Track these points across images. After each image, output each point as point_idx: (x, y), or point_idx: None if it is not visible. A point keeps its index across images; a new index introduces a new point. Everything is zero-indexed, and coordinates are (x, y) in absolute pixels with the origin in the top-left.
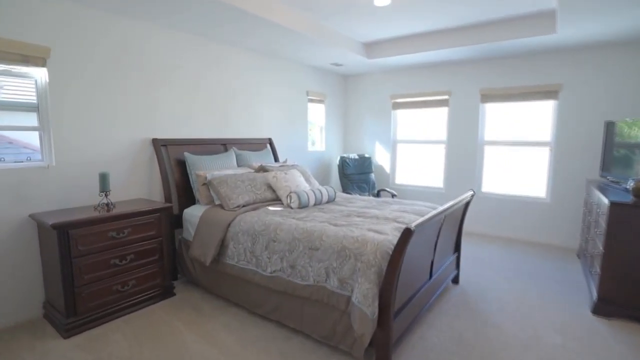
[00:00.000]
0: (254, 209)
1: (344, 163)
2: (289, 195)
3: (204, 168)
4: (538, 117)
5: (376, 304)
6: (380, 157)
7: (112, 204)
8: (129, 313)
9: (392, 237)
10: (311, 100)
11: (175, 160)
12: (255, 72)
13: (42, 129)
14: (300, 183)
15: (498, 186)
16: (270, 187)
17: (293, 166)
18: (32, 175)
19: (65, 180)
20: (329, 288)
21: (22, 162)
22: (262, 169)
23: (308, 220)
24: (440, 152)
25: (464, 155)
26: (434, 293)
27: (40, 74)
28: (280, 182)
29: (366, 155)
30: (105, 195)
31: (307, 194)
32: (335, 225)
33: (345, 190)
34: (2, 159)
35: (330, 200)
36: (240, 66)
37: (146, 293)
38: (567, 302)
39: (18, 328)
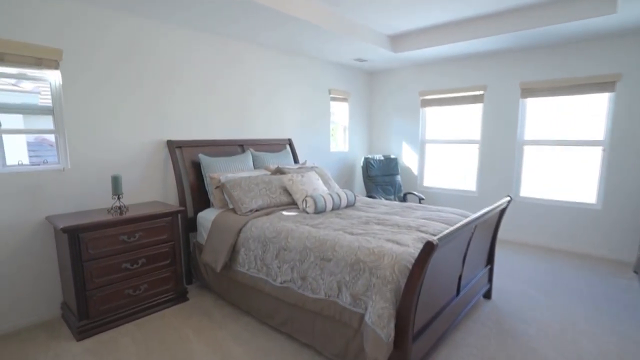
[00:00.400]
0: (267, 214)
1: (368, 164)
2: (304, 200)
3: (218, 170)
4: (589, 113)
5: (392, 325)
6: (408, 158)
7: (125, 207)
8: (140, 317)
9: (414, 249)
10: (334, 99)
11: (190, 162)
12: (274, 71)
13: (57, 131)
14: (318, 186)
15: (539, 190)
16: (286, 191)
17: (312, 168)
18: (49, 178)
19: (81, 183)
20: (340, 304)
21: (39, 164)
22: (279, 171)
23: (322, 227)
24: (473, 152)
25: (501, 156)
26: (462, 310)
27: (54, 76)
28: (297, 186)
29: (392, 156)
30: (118, 198)
31: (324, 199)
32: (351, 233)
33: (369, 193)
34: (20, 162)
35: (350, 205)
36: (257, 64)
37: (158, 297)
38: (622, 327)
39: (37, 327)
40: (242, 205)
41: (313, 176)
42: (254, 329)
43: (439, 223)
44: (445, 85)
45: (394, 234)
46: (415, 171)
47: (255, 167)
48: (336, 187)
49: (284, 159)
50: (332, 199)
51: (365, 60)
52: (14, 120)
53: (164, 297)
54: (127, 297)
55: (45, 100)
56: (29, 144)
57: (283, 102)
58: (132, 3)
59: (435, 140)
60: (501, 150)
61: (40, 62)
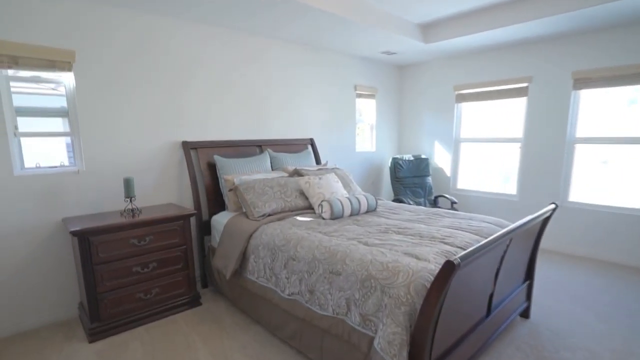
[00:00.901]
0: (280, 219)
1: (396, 165)
2: (320, 204)
3: (234, 172)
4: None
5: (404, 354)
6: (440, 158)
7: (138, 209)
8: (152, 321)
9: (434, 265)
10: (359, 96)
11: (206, 164)
12: (295, 67)
13: (72, 133)
14: (337, 190)
15: (592, 195)
16: (302, 194)
17: (332, 169)
18: (65, 180)
19: (96, 185)
20: (349, 323)
21: (56, 167)
22: (297, 173)
23: (336, 235)
24: (514, 152)
25: (546, 156)
26: (494, 332)
27: (68, 78)
28: (313, 189)
29: (423, 156)
30: (130, 200)
31: (341, 203)
32: (366, 244)
33: (397, 195)
34: (38, 165)
35: (371, 210)
36: (277, 61)
37: (170, 302)
38: None
39: (56, 326)
40: (254, 210)
41: (332, 178)
42: (263, 340)
43: (469, 234)
44: (483, 78)
45: (414, 246)
46: (448, 172)
47: (273, 168)
48: (358, 190)
49: (304, 160)
50: (351, 203)
51: (394, 53)
52: (54, 124)
53: (176, 302)
54: (139, 300)
55: (60, 102)
56: (68, 145)
57: (305, 100)
58: (145, 1)
59: (472, 139)
60: (548, 150)
61: (54, 64)
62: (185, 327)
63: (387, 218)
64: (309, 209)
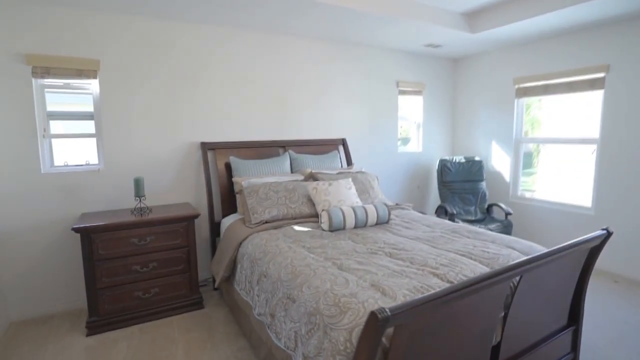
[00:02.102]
0: (276, 227)
1: (443, 168)
2: (320, 214)
3: (249, 173)
4: None
5: None
6: (498, 160)
7: (148, 208)
8: (149, 320)
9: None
10: (403, 92)
11: (223, 165)
12: (325, 63)
13: (97, 135)
14: (347, 197)
15: None
16: (310, 200)
17: (352, 173)
18: (86, 178)
19: (114, 183)
20: None
21: (81, 165)
22: (312, 177)
23: (317, 252)
24: (588, 155)
25: (630, 160)
26: None
27: (94, 85)
28: (320, 196)
29: (476, 159)
30: (140, 200)
31: (342, 213)
32: (340, 267)
33: (444, 202)
34: (66, 163)
35: (381, 222)
36: (304, 58)
37: (170, 303)
38: None
39: (67, 315)
40: (252, 216)
41: (344, 184)
42: (243, 358)
43: (476, 263)
44: (547, 69)
45: (391, 276)
46: (507, 177)
47: (293, 170)
48: (379, 197)
49: (329, 162)
50: (355, 214)
51: (439, 45)
52: (88, 126)
53: (176, 303)
54: (137, 299)
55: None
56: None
57: (337, 98)
58: (165, 9)
59: (535, 139)
60: (632, 152)
61: (81, 73)
62: (176, 332)
63: (394, 233)
64: (315, 216)
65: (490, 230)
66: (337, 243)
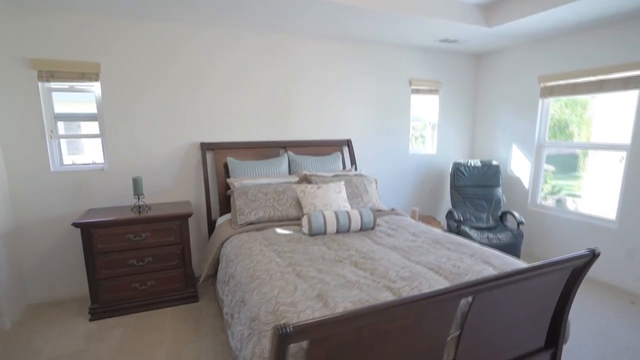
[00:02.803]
0: (259, 229)
1: (456, 171)
2: (303, 217)
3: (245, 174)
4: None
5: None
6: (518, 165)
7: (147, 206)
8: (145, 310)
9: None
10: (417, 92)
11: (222, 165)
12: (330, 63)
13: (101, 135)
14: (334, 201)
15: None
16: (299, 203)
17: (353, 176)
18: (92, 177)
19: (117, 181)
20: None
21: (88, 164)
22: (306, 179)
23: (286, 257)
24: (616, 162)
25: None
26: None
27: (96, 87)
28: (307, 199)
29: (493, 163)
30: (138, 198)
31: (324, 218)
32: (299, 274)
33: (455, 207)
34: (74, 162)
35: (366, 228)
36: (307, 57)
37: (166, 295)
38: None
39: (77, 300)
40: (239, 217)
41: (333, 188)
42: (221, 351)
43: (440, 278)
44: (576, 66)
45: (343, 287)
46: (526, 183)
47: (292, 172)
48: (373, 202)
49: (329, 164)
50: (337, 219)
51: (454, 41)
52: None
53: (171, 296)
54: (134, 290)
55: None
56: None
57: (342, 98)
58: (164, 13)
59: (560, 144)
60: None
61: (84, 75)
62: (167, 323)
63: (373, 241)
64: (300, 220)
65: (500, 239)
66: (310, 249)
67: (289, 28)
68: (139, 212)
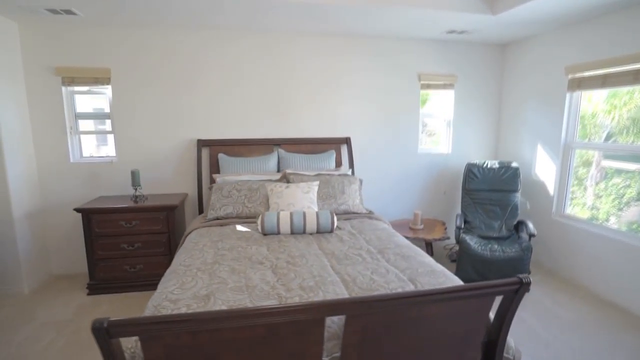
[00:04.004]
0: (223, 225)
1: (468, 173)
2: (259, 217)
3: (233, 171)
4: None
5: None
6: (543, 168)
7: (144, 196)
8: (134, 291)
9: None
10: (427, 87)
11: (216, 161)
12: (327, 58)
13: (113, 131)
14: (299, 201)
15: None
16: (268, 201)
17: (335, 175)
18: (103, 168)
19: (125, 172)
20: None
21: (102, 157)
22: (285, 177)
23: (221, 254)
24: None
25: None
26: None
27: (108, 89)
28: (273, 198)
29: (512, 165)
30: (135, 189)
31: (277, 219)
32: (211, 273)
33: (464, 212)
34: (91, 155)
35: (324, 231)
36: (304, 54)
37: (153, 279)
38: None
39: (85, 275)
40: (209, 211)
41: (302, 188)
42: None
43: (346, 292)
44: (609, 53)
45: (235, 290)
46: (551, 190)
47: (280, 169)
48: (347, 204)
49: (320, 162)
50: (291, 220)
51: (464, 32)
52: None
53: (158, 280)
54: (125, 271)
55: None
56: None
57: (342, 95)
58: (164, 19)
59: (590, 145)
60: None
61: (97, 80)
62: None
63: (319, 245)
64: None
65: (505, 252)
66: (250, 248)
67: (283, 27)
68: (136, 201)
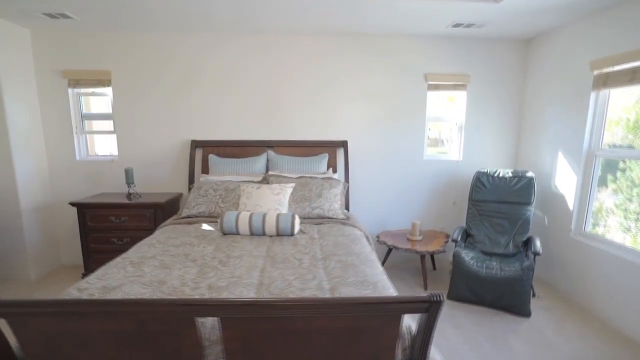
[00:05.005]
0: (191, 223)
1: (476, 182)
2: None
3: (222, 171)
4: None
5: None
6: (563, 179)
7: (138, 194)
8: None
9: None
10: (435, 87)
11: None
12: (322, 59)
13: (115, 132)
14: (267, 203)
15: None
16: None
17: (316, 178)
18: (105, 166)
19: (123, 171)
20: None
21: (105, 156)
22: (265, 179)
23: (169, 250)
24: None
25: None
26: None
27: (109, 91)
28: (242, 198)
29: (527, 174)
30: (129, 186)
31: (237, 220)
32: (139, 266)
33: (469, 224)
34: (96, 154)
35: (283, 234)
36: (298, 55)
37: None
38: None
39: None
40: (184, 209)
41: (272, 189)
42: None
43: (255, 294)
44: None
45: (139, 284)
46: (570, 204)
47: (269, 171)
48: (321, 207)
49: (310, 165)
50: (250, 222)
51: (472, 25)
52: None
53: None
54: None
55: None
56: None
57: (340, 98)
58: (159, 20)
59: (617, 153)
60: None
61: (99, 82)
62: None
63: (269, 247)
64: None
65: (504, 272)
66: (197, 247)
67: (281, 28)
68: (130, 198)
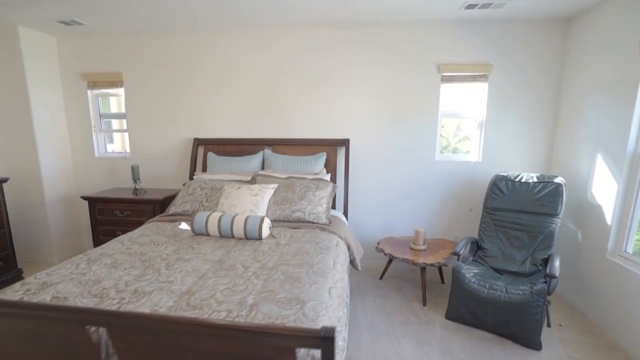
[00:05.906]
0: (172, 220)
1: (493, 188)
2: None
3: (218, 169)
4: None
5: None
6: (602, 187)
7: (143, 190)
8: None
9: None
10: (449, 79)
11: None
12: (323, 52)
13: (128, 130)
14: (243, 204)
15: None
16: None
17: (304, 180)
18: (120, 162)
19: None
20: None
21: (121, 152)
22: (253, 179)
23: (132, 246)
24: None
25: None
26: None
27: (122, 92)
28: (221, 198)
29: (555, 180)
30: (135, 182)
31: (206, 221)
32: (91, 263)
33: (482, 235)
34: (113, 150)
35: (251, 237)
36: (296, 49)
37: None
38: None
39: None
40: (170, 207)
41: (251, 190)
42: None
43: (172, 303)
44: None
45: (77, 282)
46: (609, 217)
47: (262, 170)
48: (304, 210)
49: (306, 164)
50: (219, 224)
51: (488, 5)
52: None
53: None
54: None
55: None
56: None
57: (342, 94)
58: (161, 21)
59: None
60: None
61: (113, 83)
62: None
63: (228, 251)
64: None
65: (509, 294)
66: (159, 247)
67: (281, 21)
68: (136, 194)
